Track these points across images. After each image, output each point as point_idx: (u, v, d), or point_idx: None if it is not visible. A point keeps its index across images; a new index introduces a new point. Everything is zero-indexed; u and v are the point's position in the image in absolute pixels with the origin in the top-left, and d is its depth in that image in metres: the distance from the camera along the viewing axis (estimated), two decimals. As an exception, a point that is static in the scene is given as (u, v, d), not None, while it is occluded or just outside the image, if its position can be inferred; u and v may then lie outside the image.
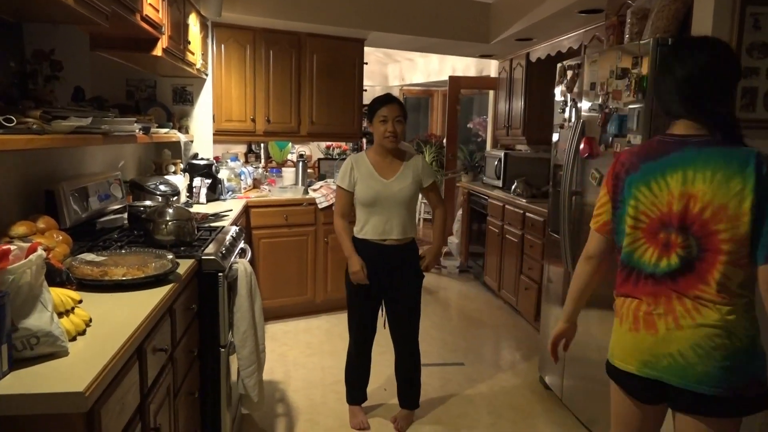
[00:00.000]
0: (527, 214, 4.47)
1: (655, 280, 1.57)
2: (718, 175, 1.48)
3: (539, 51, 4.99)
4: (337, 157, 5.37)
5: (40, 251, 1.34)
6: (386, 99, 2.80)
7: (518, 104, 5.38)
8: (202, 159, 4.08)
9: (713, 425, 1.54)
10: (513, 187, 4.91)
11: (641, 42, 2.50)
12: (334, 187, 4.44)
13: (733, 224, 1.46)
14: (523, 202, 4.59)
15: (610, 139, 2.70)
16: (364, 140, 5.33)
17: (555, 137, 3.38)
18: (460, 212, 6.31)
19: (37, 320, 1.26)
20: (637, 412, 1.68)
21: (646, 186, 1.57)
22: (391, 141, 2.75)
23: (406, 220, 2.77)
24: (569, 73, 3.16)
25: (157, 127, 3.22)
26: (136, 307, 1.62)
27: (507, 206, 4.87)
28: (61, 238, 1.99)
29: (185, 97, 4.21)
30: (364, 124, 4.82)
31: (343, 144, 5.47)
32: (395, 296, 2.84)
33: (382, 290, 2.85)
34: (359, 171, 2.79)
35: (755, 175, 1.45)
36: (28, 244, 1.38)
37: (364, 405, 3.07)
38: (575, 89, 3.09)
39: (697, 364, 1.50)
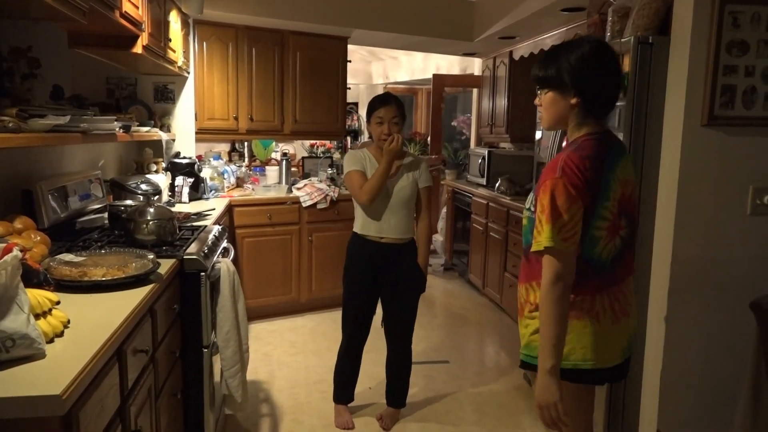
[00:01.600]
0: (511, 211, 4.48)
1: (616, 267, 1.65)
2: (627, 159, 1.68)
3: (522, 49, 5.01)
4: (321, 155, 5.37)
5: (15, 252, 1.32)
6: (384, 99, 2.74)
7: (502, 102, 5.39)
8: (184, 158, 4.05)
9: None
10: (497, 184, 4.92)
11: (622, 40, 2.52)
12: (318, 185, 4.55)
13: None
14: (507, 199, 4.61)
15: (593, 136, 2.72)
16: (348, 138, 5.29)
17: (538, 135, 3.38)
18: (444, 210, 6.32)
19: (13, 322, 1.24)
20: (592, 397, 1.78)
21: (614, 181, 1.61)
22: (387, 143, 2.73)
23: (404, 219, 2.75)
24: None
25: (138, 126, 3.17)
26: (116, 308, 1.60)
27: (491, 204, 4.89)
28: (38, 238, 1.96)
29: (167, 95, 4.18)
30: (348, 122, 4.82)
31: (327, 142, 5.46)
32: (394, 295, 2.84)
33: (378, 288, 2.85)
34: (365, 164, 2.78)
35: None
36: (3, 245, 1.36)
37: (349, 405, 3.06)
38: None
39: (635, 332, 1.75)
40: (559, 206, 1.54)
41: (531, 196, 1.71)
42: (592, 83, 1.60)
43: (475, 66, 6.41)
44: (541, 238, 1.56)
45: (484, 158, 5.33)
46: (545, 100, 1.68)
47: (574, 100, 1.62)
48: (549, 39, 4.52)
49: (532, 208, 1.67)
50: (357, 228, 2.82)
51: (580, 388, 1.70)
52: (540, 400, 1.54)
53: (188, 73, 4.16)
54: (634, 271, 1.71)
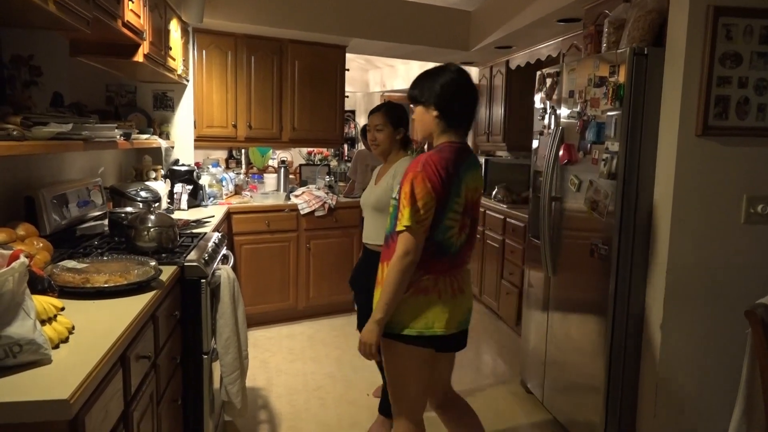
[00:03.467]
0: (508, 219, 4.51)
1: (458, 256, 2.01)
2: (479, 171, 2.06)
3: (519, 59, 5.04)
4: (318, 163, 5.39)
5: (22, 258, 1.33)
6: (373, 109, 2.87)
7: (498, 111, 5.42)
8: (183, 165, 4.07)
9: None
10: (494, 192, 4.94)
11: (618, 51, 2.55)
12: (316, 193, 4.58)
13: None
14: (503, 207, 4.63)
15: (589, 145, 2.75)
16: (346, 146, 5.31)
17: (535, 144, 3.42)
18: None
19: (20, 328, 1.25)
20: (433, 365, 2.08)
21: (464, 184, 1.96)
22: (374, 149, 2.84)
23: (379, 226, 2.69)
24: (548, 81, 3.20)
25: (138, 133, 3.20)
26: (119, 315, 1.61)
27: (488, 212, 4.91)
28: (41, 245, 1.98)
29: (166, 103, 4.19)
30: (346, 129, 4.84)
31: (324, 150, 5.47)
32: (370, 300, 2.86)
33: (360, 290, 2.86)
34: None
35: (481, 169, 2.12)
36: (10, 252, 1.37)
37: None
38: (554, 96, 3.13)
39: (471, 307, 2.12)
40: (416, 194, 1.87)
41: (397, 187, 2.00)
42: (448, 100, 1.97)
43: (472, 75, 6.39)
44: (402, 220, 1.89)
45: (480, 166, 5.33)
46: (416, 114, 2.05)
47: (435, 113, 1.98)
48: (545, 49, 4.56)
49: (397, 197, 1.95)
50: None
51: (427, 353, 2.00)
52: (365, 339, 1.96)
53: (187, 80, 4.19)
54: (468, 262, 2.09)
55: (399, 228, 1.89)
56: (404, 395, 2.05)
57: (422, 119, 2.03)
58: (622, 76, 2.50)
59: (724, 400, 2.42)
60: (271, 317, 4.48)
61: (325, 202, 4.51)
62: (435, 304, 1.97)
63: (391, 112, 2.81)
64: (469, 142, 6.52)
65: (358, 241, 4.39)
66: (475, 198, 2.04)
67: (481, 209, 5.02)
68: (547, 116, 3.23)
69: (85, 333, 1.47)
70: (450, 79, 1.97)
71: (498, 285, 4.69)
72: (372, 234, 2.76)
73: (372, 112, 2.86)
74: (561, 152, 2.98)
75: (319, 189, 4.72)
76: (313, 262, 4.55)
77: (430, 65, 2.17)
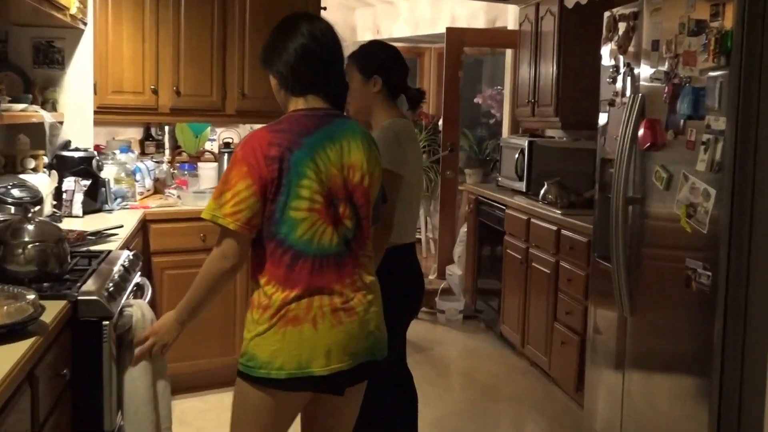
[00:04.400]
0: (563, 231, 4.48)
1: (337, 261, 2.20)
2: (364, 145, 2.28)
3: (579, -9, 5.02)
4: None
5: None
6: None
7: (549, 70, 5.33)
8: (76, 149, 4.05)
9: (362, 388, 2.39)
10: (542, 191, 4.87)
11: (725, -18, 2.55)
12: None
13: (376, 190, 2.33)
14: (556, 214, 4.59)
15: (682, 122, 2.76)
16: None
17: (602, 119, 3.42)
18: (464, 229, 6.28)
19: None
20: (297, 410, 2.35)
21: (313, 162, 2.16)
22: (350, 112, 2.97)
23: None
24: (621, 26, 3.23)
25: (9, 102, 3.17)
26: (-23, 374, 1.59)
27: (533, 220, 4.87)
28: None
29: (52, 57, 4.16)
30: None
31: None
32: None
33: None
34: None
35: (375, 144, 2.37)
36: None
37: None
38: (630, 49, 3.12)
39: (384, 332, 2.33)
40: (230, 180, 2.13)
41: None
42: (282, 64, 2.27)
43: (509, 16, 6.39)
44: (207, 207, 2.17)
45: (522, 152, 5.29)
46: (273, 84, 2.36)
47: (275, 80, 2.31)
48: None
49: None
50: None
51: (299, 398, 2.27)
52: (159, 337, 2.30)
53: (85, 24, 4.14)
54: (365, 265, 2.29)
55: (203, 215, 2.17)
56: None
57: (273, 88, 2.36)
58: (729, 20, 2.51)
59: None
60: (208, 379, 4.43)
61: (289, 206, 4.50)
62: (307, 334, 2.15)
63: (359, 53, 2.99)
64: (505, 114, 6.58)
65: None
66: (351, 178, 2.24)
67: (522, 216, 5.06)
68: (619, 78, 3.23)
69: None
70: (298, 46, 2.25)
71: (549, 331, 4.63)
72: None
73: None
74: (641, 132, 2.98)
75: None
76: (272, 296, 4.51)
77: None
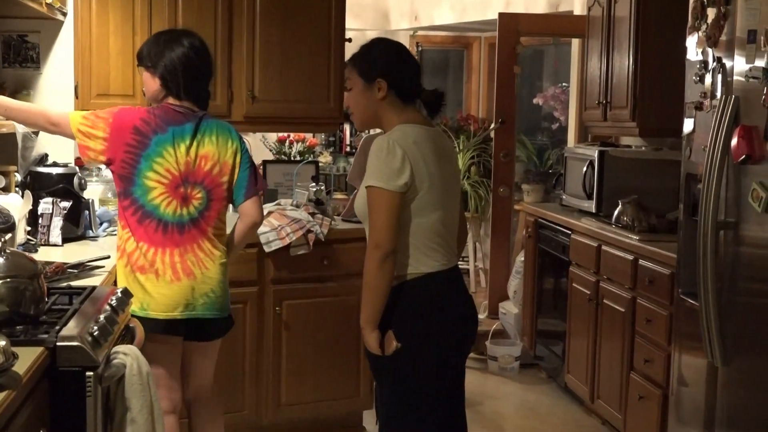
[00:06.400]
0: (641, 261, 4.37)
1: (180, 230, 3.06)
2: (220, 139, 3.19)
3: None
4: (298, 158, 5.37)
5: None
6: None
7: (624, 64, 5.23)
8: (54, 165, 4.06)
9: (216, 344, 3.39)
10: (616, 213, 4.80)
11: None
12: (293, 213, 4.63)
13: (231, 176, 3.21)
14: (633, 239, 4.49)
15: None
16: (347, 128, 5.36)
17: (688, 125, 3.46)
18: (520, 258, 6.16)
19: None
20: (175, 351, 3.19)
21: (171, 147, 3.03)
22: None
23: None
24: (711, 13, 3.23)
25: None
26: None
27: (604, 247, 4.78)
28: None
29: (25, 54, 4.31)
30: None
31: (309, 135, 5.45)
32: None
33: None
34: None
35: (238, 137, 3.31)
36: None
37: None
38: (722, 39, 3.14)
39: (221, 296, 3.21)
40: (97, 114, 3.10)
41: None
42: (173, 74, 3.13)
43: (575, 0, 6.46)
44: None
45: (591, 164, 5.27)
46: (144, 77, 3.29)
47: (159, 83, 3.17)
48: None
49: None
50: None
51: (160, 344, 3.06)
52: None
53: (64, 14, 4.25)
54: (213, 239, 3.17)
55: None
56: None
57: (146, 83, 3.17)
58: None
59: None
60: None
61: (308, 230, 4.37)
62: (154, 283, 3.02)
63: (358, 56, 3.02)
64: (571, 118, 6.72)
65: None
66: (205, 167, 3.10)
67: (592, 243, 5.05)
68: (708, 76, 3.26)
69: None
70: (180, 55, 3.08)
71: (624, 382, 4.52)
72: None
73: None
74: (734, 141, 2.94)
75: (298, 206, 4.57)
76: (288, 339, 4.42)
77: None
